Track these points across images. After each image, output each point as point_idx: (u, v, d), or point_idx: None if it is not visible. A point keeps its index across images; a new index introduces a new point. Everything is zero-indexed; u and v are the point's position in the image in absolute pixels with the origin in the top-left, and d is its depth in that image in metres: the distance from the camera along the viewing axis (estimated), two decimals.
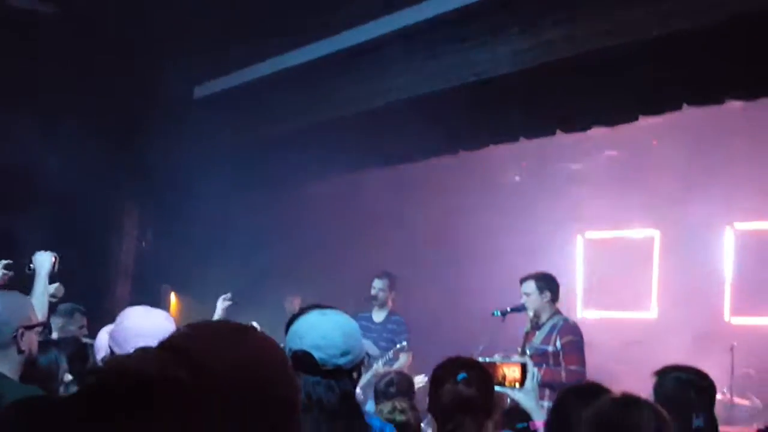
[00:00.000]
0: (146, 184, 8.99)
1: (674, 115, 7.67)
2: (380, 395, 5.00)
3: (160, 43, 7.48)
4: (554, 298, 6.46)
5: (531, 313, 6.46)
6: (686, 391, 3.22)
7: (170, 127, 8.28)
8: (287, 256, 8.81)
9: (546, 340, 6.29)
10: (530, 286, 6.46)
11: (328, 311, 2.77)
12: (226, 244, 9.08)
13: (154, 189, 9.00)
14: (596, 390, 2.93)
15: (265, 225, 8.89)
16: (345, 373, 2.61)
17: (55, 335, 5.36)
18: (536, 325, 6.47)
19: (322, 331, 2.62)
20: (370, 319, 7.61)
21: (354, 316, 7.85)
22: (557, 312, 6.47)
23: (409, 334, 7.45)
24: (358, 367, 2.67)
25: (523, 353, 6.23)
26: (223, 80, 7.81)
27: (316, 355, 2.57)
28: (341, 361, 2.60)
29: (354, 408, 2.63)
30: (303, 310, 3.20)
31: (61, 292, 5.53)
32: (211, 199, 8.78)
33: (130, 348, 3.13)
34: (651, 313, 9.08)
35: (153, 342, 3.16)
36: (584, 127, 5.91)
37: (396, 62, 6.38)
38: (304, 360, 2.57)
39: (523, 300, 6.47)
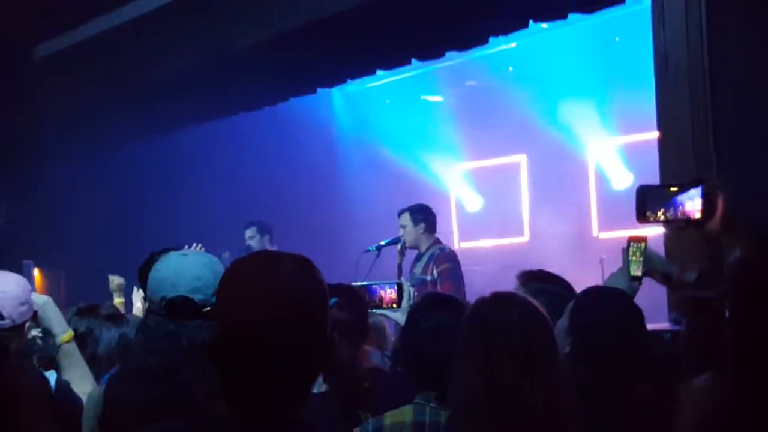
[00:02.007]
0: None
1: (526, 40, 7.89)
2: None
3: None
4: (430, 228, 6.57)
5: (399, 245, 6.55)
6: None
7: (12, 92, 7.82)
8: (157, 213, 8.55)
9: (424, 270, 6.42)
10: (405, 218, 6.58)
11: (187, 252, 2.66)
12: (91, 211, 8.76)
13: (4, 162, 8.54)
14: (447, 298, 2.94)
15: (129, 184, 8.61)
16: None
17: None
18: (417, 256, 6.58)
19: (194, 273, 2.50)
20: None
21: None
22: (436, 242, 6.59)
23: None
24: None
25: None
26: (66, 37, 7.41)
27: (197, 298, 2.46)
28: (215, 299, 2.50)
29: None
30: (153, 256, 3.07)
31: None
32: (68, 165, 8.43)
33: None
34: (523, 236, 9.30)
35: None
36: (438, 54, 5.91)
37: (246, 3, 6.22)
38: (185, 306, 2.45)
39: (401, 232, 6.57)
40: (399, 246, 6.55)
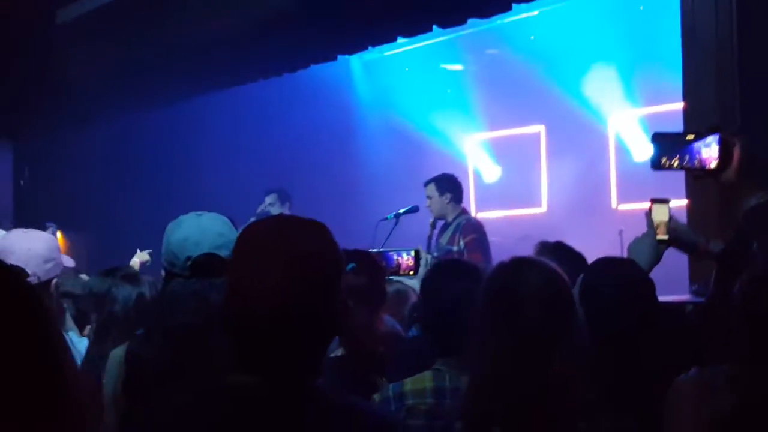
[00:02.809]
0: (17, 121, 8.56)
1: (549, 8, 7.79)
2: None
3: None
4: (456, 198, 6.58)
5: (432, 219, 6.56)
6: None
7: (36, 57, 7.82)
8: (177, 178, 8.58)
9: (451, 240, 6.43)
10: (431, 189, 6.59)
11: (201, 213, 2.65)
12: (112, 174, 8.81)
13: (26, 125, 8.57)
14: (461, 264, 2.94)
15: (150, 149, 8.62)
16: None
17: None
18: (443, 226, 6.58)
19: (216, 230, 2.53)
20: None
21: None
22: (463, 212, 6.59)
23: None
24: None
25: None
26: (88, 1, 7.37)
27: (222, 254, 2.47)
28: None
29: None
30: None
31: None
32: (91, 129, 8.45)
33: None
34: (541, 207, 9.25)
35: (19, 260, 2.95)
36: (460, 21, 5.84)
37: None
38: (211, 263, 2.46)
39: (427, 203, 6.58)
40: (431, 220, 6.56)
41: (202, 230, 2.52)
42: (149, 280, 3.49)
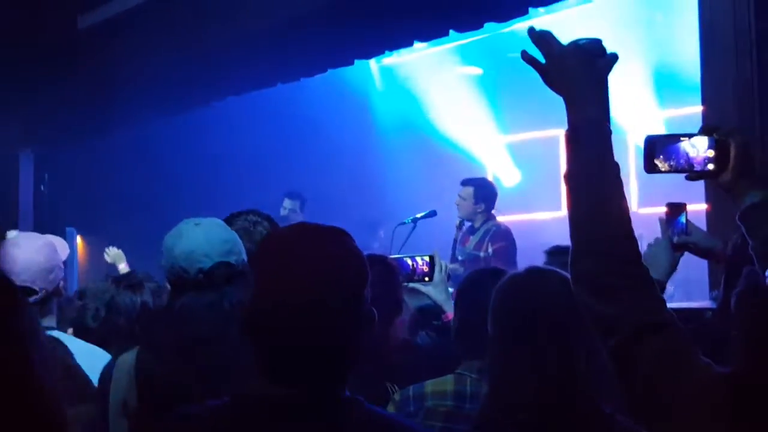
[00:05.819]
0: (38, 127, 8.61)
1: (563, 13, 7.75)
2: None
3: None
4: (488, 207, 6.53)
5: (458, 220, 6.53)
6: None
7: (57, 63, 7.86)
8: (195, 182, 8.60)
9: (478, 246, 6.38)
10: (468, 192, 6.50)
11: (197, 220, 2.61)
12: (132, 179, 8.84)
13: (47, 131, 8.63)
14: (498, 271, 2.89)
15: (168, 154, 8.65)
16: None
17: None
18: (469, 230, 6.53)
19: (221, 237, 2.50)
20: None
21: None
22: (491, 218, 6.53)
23: None
24: None
25: (454, 260, 6.32)
26: (109, 6, 7.40)
27: (232, 260, 2.47)
28: (244, 256, 2.51)
29: None
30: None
31: None
32: (109, 134, 8.50)
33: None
34: (561, 211, 9.19)
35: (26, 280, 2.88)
36: (477, 25, 5.81)
37: None
38: (224, 272, 2.45)
39: (457, 201, 6.51)
40: (458, 221, 6.53)
41: (207, 240, 2.49)
42: (151, 287, 3.45)
